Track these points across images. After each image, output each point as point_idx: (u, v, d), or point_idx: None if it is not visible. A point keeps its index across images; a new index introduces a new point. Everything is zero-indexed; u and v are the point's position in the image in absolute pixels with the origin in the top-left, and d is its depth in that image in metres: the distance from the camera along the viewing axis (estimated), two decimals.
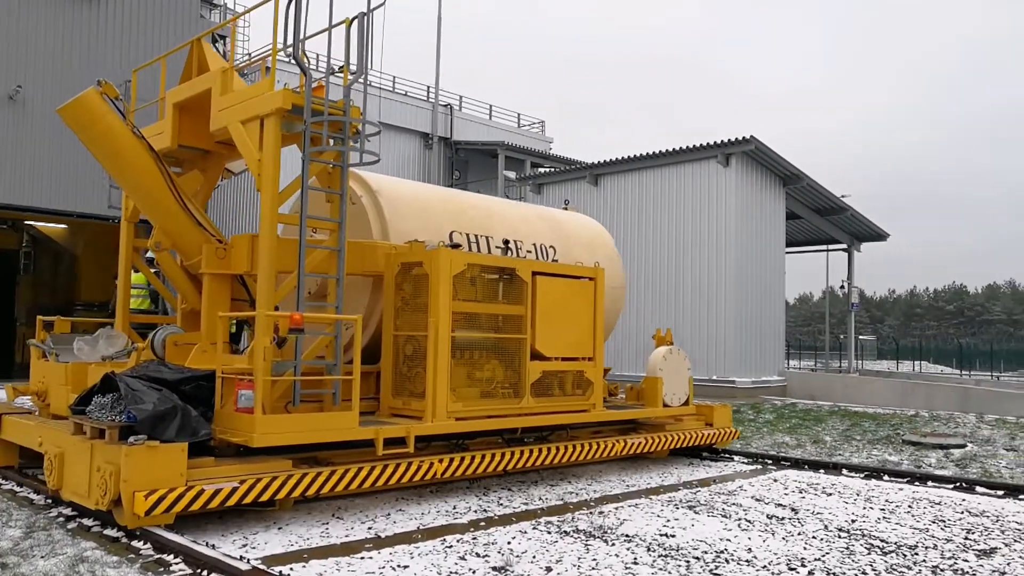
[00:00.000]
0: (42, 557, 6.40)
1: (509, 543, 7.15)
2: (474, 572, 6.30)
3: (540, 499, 9.11)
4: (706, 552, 7.03)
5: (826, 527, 8.09)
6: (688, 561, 6.74)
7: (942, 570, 6.69)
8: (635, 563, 6.64)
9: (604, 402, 10.87)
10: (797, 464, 12.14)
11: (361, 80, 8.61)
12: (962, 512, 9.00)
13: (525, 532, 7.58)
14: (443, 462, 8.82)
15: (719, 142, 23.58)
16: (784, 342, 27.70)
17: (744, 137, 23.19)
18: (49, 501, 8.33)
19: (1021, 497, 9.99)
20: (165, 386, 7.64)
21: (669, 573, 6.41)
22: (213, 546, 6.68)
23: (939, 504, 9.42)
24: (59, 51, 22.12)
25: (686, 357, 12.29)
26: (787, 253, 27.04)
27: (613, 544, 7.22)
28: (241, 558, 6.37)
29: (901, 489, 10.34)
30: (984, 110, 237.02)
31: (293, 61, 8.49)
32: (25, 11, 21.76)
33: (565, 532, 7.60)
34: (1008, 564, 6.93)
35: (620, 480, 10.45)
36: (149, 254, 10.38)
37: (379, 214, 9.99)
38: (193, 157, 10.38)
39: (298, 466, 7.89)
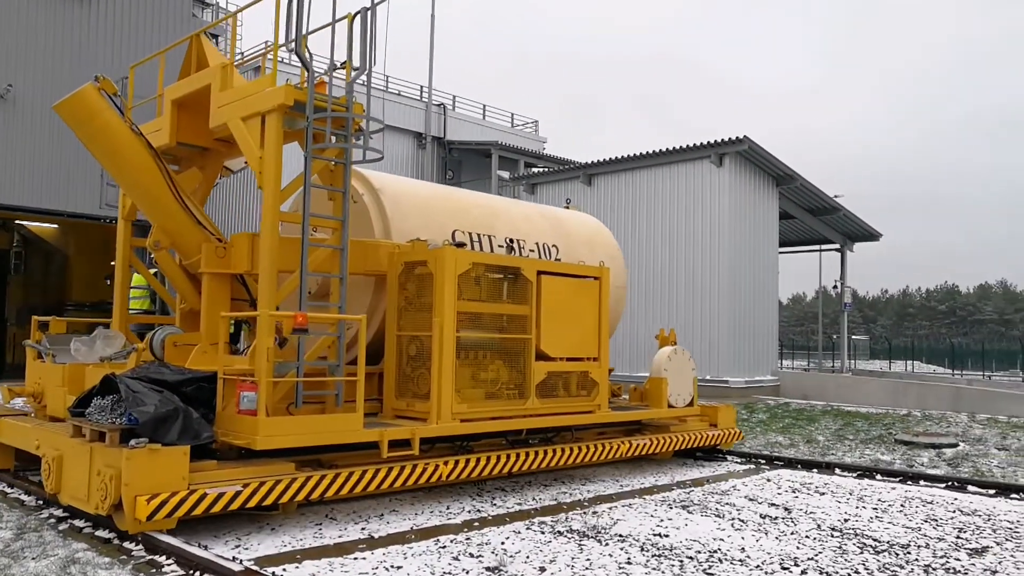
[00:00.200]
0: (33, 559, 6.37)
1: (503, 543, 7.15)
2: (468, 572, 6.29)
3: (534, 499, 9.11)
4: (699, 552, 7.04)
5: (819, 526, 8.11)
6: (681, 561, 6.75)
7: (934, 569, 6.71)
8: (629, 563, 6.65)
9: (608, 403, 10.77)
10: (790, 464, 12.16)
11: (364, 76, 8.52)
12: (954, 511, 9.03)
13: (519, 532, 7.57)
14: (448, 464, 8.71)
15: (712, 142, 23.61)
16: (777, 342, 27.75)
17: (737, 137, 23.21)
18: (40, 503, 8.29)
19: (1012, 496, 10.03)
20: (166, 388, 7.51)
21: (662, 573, 6.41)
22: (205, 547, 6.63)
23: (931, 503, 9.44)
24: (51, 50, 22.04)
25: (690, 357, 12.19)
26: (780, 253, 27.10)
27: (607, 544, 7.22)
28: (234, 559, 6.35)
29: (893, 488, 10.36)
30: (977, 110, 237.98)
31: (295, 56, 8.36)
32: (16, 10, 21.67)
33: (559, 532, 7.59)
34: (999, 563, 6.95)
35: (614, 480, 10.45)
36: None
37: (381, 212, 9.88)
38: (191, 155, 10.24)
39: (301, 469, 7.77)
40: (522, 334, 9.52)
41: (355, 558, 6.59)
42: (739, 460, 12.39)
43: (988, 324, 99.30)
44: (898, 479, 11.06)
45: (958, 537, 7.83)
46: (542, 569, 6.42)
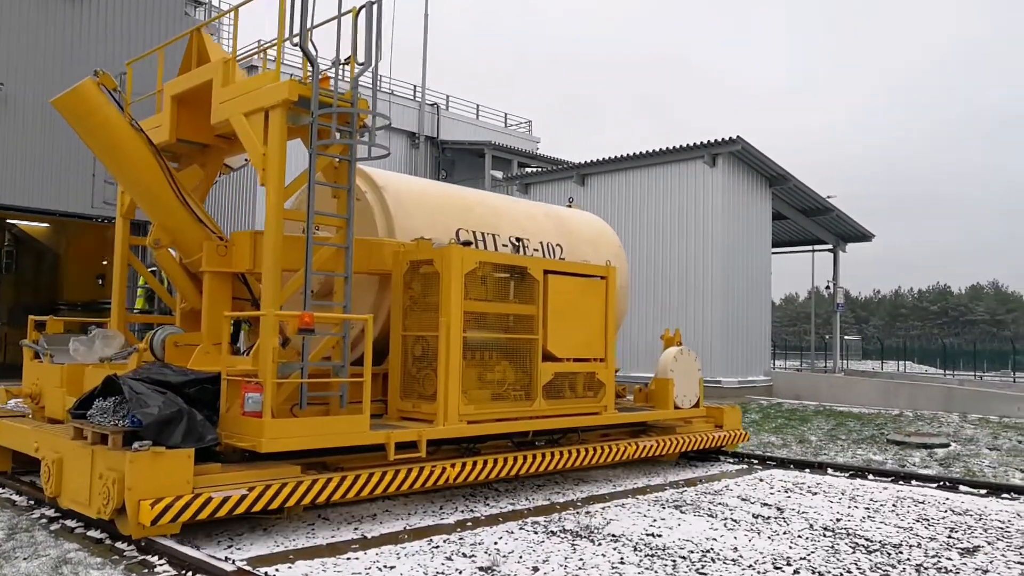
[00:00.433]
0: (24, 559, 6.35)
1: (496, 543, 7.15)
2: (460, 572, 6.29)
3: (527, 499, 9.11)
4: (692, 552, 7.05)
5: (811, 526, 8.13)
6: (674, 561, 6.76)
7: (926, 568, 6.73)
8: (621, 563, 6.65)
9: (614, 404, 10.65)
10: (783, 464, 12.18)
11: (369, 72, 8.40)
12: (945, 511, 9.06)
13: (512, 532, 7.57)
14: (455, 467, 8.58)
15: (706, 142, 23.63)
16: (770, 342, 27.81)
17: (731, 137, 23.24)
18: (32, 503, 8.26)
19: (1003, 496, 10.08)
20: (169, 389, 7.35)
21: (655, 573, 6.42)
22: (198, 547, 6.62)
23: (923, 503, 9.47)
24: (43, 49, 21.94)
25: (696, 358, 12.08)
26: (773, 253, 27.15)
27: (600, 544, 7.22)
28: (226, 559, 6.34)
29: (885, 488, 10.39)
30: (971, 111, 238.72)
31: (294, 53, 8.24)
32: (8, 9, 21.58)
33: (552, 532, 7.60)
34: (991, 562, 6.98)
35: (607, 480, 10.45)
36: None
37: (385, 211, 9.74)
38: (191, 151, 10.10)
39: (306, 471, 7.62)
40: (529, 334, 9.40)
41: (348, 558, 6.58)
42: (732, 460, 12.41)
43: (980, 325, 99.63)
44: (890, 479, 11.10)
45: (949, 537, 7.86)
46: (535, 569, 6.43)
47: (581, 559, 6.72)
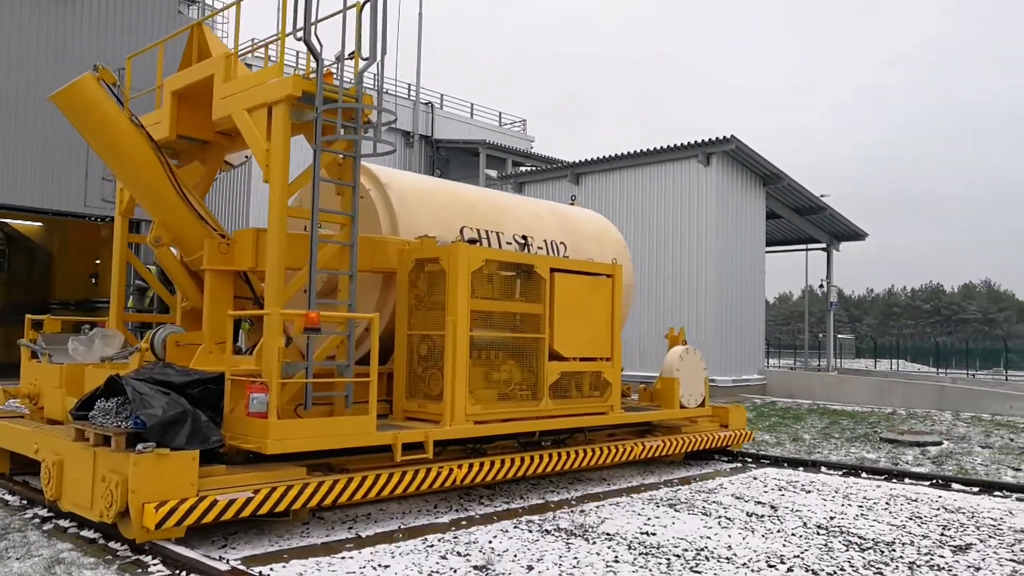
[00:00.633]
0: (17, 559, 6.33)
1: (490, 542, 7.15)
2: (455, 571, 6.29)
3: (521, 498, 9.11)
4: (686, 550, 7.06)
5: (805, 524, 8.15)
6: (668, 559, 6.77)
7: (919, 566, 6.75)
8: (616, 561, 6.66)
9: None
10: (776, 462, 12.21)
11: (375, 67, 8.25)
12: (938, 509, 9.09)
13: (506, 531, 7.58)
14: (463, 468, 8.48)
15: (700, 141, 23.65)
16: (764, 341, 27.83)
17: (725, 136, 23.26)
18: (25, 503, 8.24)
19: (996, 494, 10.11)
20: (172, 389, 7.22)
21: (650, 571, 6.43)
22: (192, 546, 6.60)
23: (916, 501, 9.50)
24: (35, 47, 21.85)
25: (702, 357, 12.01)
26: (767, 252, 27.18)
27: (594, 542, 7.23)
28: (220, 559, 6.33)
29: (879, 486, 10.43)
30: (966, 109, 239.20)
31: (304, 45, 8.02)
32: (0, 8, 21.51)
33: (546, 531, 7.60)
34: (983, 560, 7.01)
35: (601, 479, 10.46)
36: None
37: (388, 208, 9.60)
38: (191, 148, 9.96)
39: (312, 473, 7.51)
40: (535, 333, 9.29)
41: (343, 557, 6.58)
42: (726, 458, 12.43)
43: (972, 323, 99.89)
44: (883, 477, 11.13)
45: (942, 534, 7.89)
46: (530, 568, 6.43)
47: (576, 558, 6.73)
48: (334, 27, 8.38)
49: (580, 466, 9.84)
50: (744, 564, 6.69)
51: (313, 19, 8.08)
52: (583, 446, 10.07)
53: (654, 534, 7.60)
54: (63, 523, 7.39)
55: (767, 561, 6.78)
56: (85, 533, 7.05)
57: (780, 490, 9.97)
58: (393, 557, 6.62)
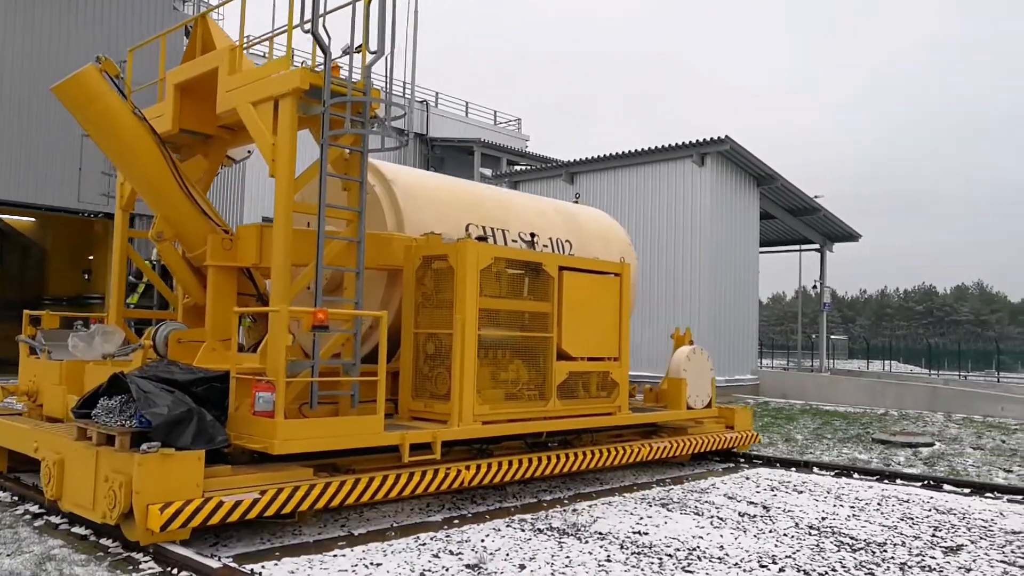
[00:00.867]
0: (8, 555, 6.31)
1: (483, 541, 7.15)
2: (447, 570, 6.29)
3: (514, 497, 9.11)
4: (678, 549, 7.07)
5: (797, 524, 8.16)
6: (660, 559, 6.78)
7: (910, 567, 6.77)
8: (608, 560, 6.67)
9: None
10: (769, 462, 12.22)
11: (384, 59, 8.09)
12: (930, 510, 9.12)
13: (499, 530, 7.58)
14: (470, 469, 8.35)
15: (694, 142, 23.67)
16: (757, 341, 27.88)
17: (719, 137, 23.28)
18: (16, 499, 8.21)
19: (987, 495, 10.15)
20: (176, 388, 7.07)
21: (642, 570, 6.44)
22: (184, 543, 6.59)
23: (907, 502, 9.53)
24: (27, 44, 21.78)
25: (708, 357, 11.98)
26: (761, 253, 27.21)
27: (586, 542, 7.23)
28: (212, 556, 6.32)
29: (871, 487, 10.45)
30: (963, 110, 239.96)
31: (312, 37, 7.87)
32: None
33: (539, 530, 7.60)
34: (974, 561, 7.03)
35: (594, 478, 10.46)
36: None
37: (394, 204, 9.44)
38: (193, 142, 9.81)
39: (318, 474, 7.39)
40: (543, 332, 9.18)
41: (334, 555, 6.58)
42: (718, 458, 12.44)
43: (964, 325, 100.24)
44: (875, 478, 11.16)
45: (934, 535, 7.91)
46: (522, 566, 6.43)
47: (568, 557, 6.74)
48: (339, 20, 8.25)
49: (588, 467, 9.76)
50: (736, 564, 6.70)
51: (321, 11, 7.91)
52: (590, 447, 9.98)
53: (646, 533, 7.61)
54: (54, 520, 7.37)
55: (759, 561, 6.79)
56: (76, 530, 7.04)
57: (772, 490, 9.99)
58: (385, 555, 6.61)
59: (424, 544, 6.99)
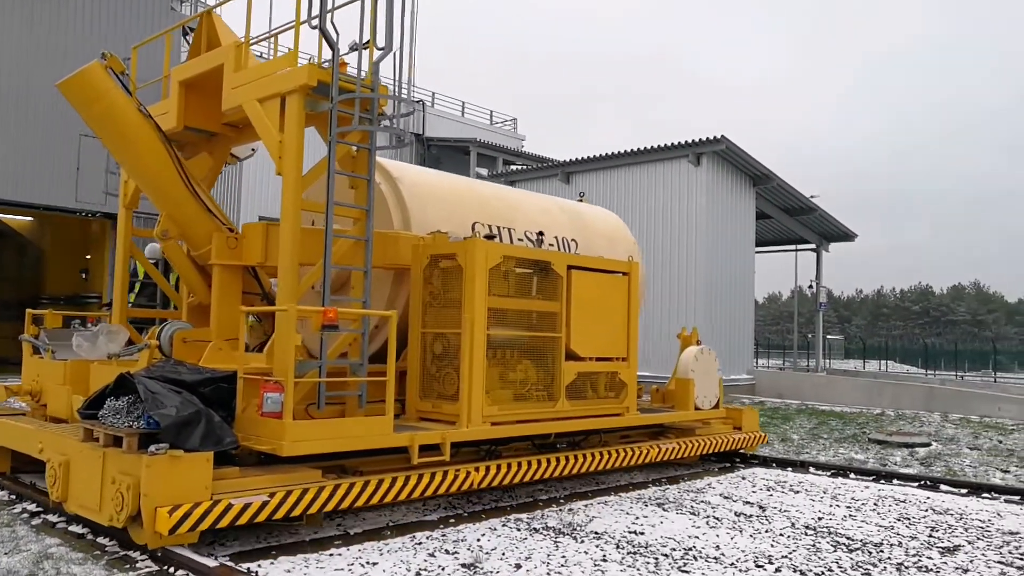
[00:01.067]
0: (5, 554, 6.30)
1: (479, 540, 7.15)
2: (443, 569, 6.29)
3: (510, 496, 9.11)
4: (674, 549, 7.08)
5: (793, 525, 8.17)
6: (656, 558, 6.78)
7: (906, 567, 6.78)
8: (604, 560, 6.67)
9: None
10: (765, 462, 12.23)
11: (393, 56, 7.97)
12: (926, 510, 9.13)
13: (495, 529, 7.58)
14: (479, 471, 8.25)
15: (690, 141, 23.71)
16: (753, 341, 27.91)
17: (715, 137, 23.33)
18: (13, 497, 8.20)
19: (984, 495, 10.15)
20: (184, 388, 6.96)
21: (638, 570, 6.44)
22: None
23: (904, 502, 9.54)
24: (23, 43, 21.74)
25: (716, 357, 11.90)
26: (757, 252, 27.25)
27: (582, 541, 7.24)
28: (209, 555, 6.31)
29: (867, 487, 10.46)
30: (959, 110, 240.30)
31: (319, 33, 7.77)
32: None
33: (535, 529, 7.61)
34: (971, 561, 7.04)
35: (590, 477, 10.46)
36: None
37: (400, 203, 9.33)
38: (197, 140, 9.66)
39: (326, 476, 7.32)
40: (552, 332, 9.07)
41: (331, 554, 6.57)
42: (714, 458, 12.45)
43: (961, 325, 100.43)
44: (871, 478, 11.16)
45: (930, 536, 7.91)
46: (518, 566, 6.43)
47: (564, 556, 6.74)
48: (344, 17, 8.18)
49: (597, 469, 9.67)
50: (732, 564, 6.70)
51: (329, 7, 7.83)
52: (598, 448, 9.90)
53: (642, 533, 7.62)
54: (51, 518, 7.36)
55: (755, 561, 6.79)
56: (73, 528, 7.03)
57: (768, 490, 10.00)
58: (381, 555, 6.61)
59: (420, 543, 6.99)
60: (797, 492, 9.95)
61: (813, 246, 32.47)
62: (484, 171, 33.62)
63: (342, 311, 7.49)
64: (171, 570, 6.00)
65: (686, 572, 6.45)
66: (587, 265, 9.62)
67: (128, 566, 6.13)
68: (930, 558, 7.09)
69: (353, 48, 7.98)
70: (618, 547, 7.09)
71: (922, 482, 10.84)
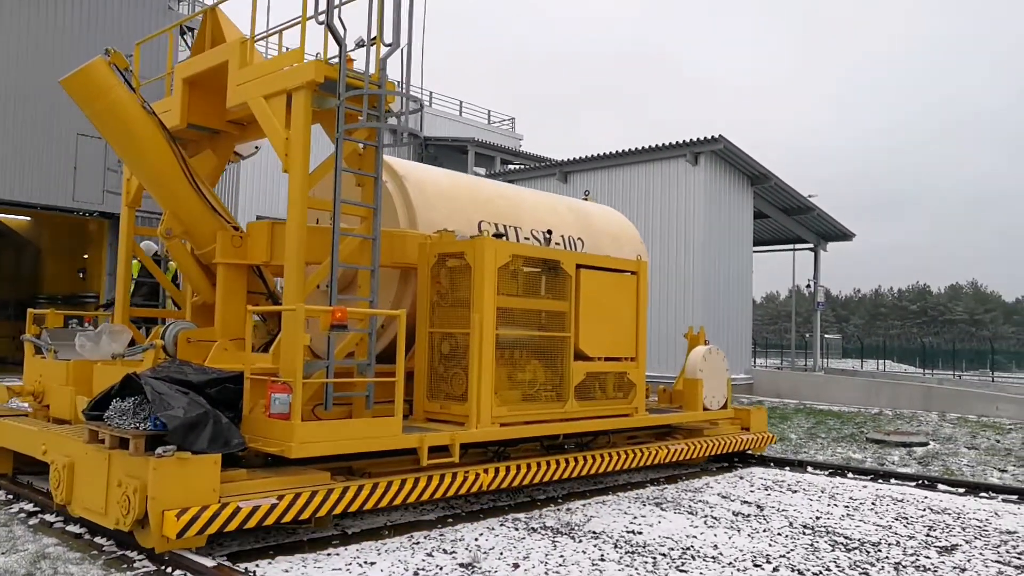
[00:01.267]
0: (2, 553, 6.29)
1: (476, 540, 7.15)
2: (441, 569, 6.29)
3: (508, 496, 9.10)
4: (672, 549, 7.08)
5: (791, 524, 8.17)
6: (654, 558, 6.78)
7: (904, 567, 6.78)
8: (602, 559, 6.67)
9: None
10: (763, 461, 12.23)
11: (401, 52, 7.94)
12: (924, 509, 9.13)
13: (492, 529, 7.58)
14: (489, 473, 8.16)
15: (688, 141, 23.71)
16: (751, 340, 27.91)
17: (713, 136, 23.32)
18: (10, 497, 8.19)
19: (982, 495, 10.16)
20: (190, 389, 6.86)
21: (635, 570, 6.44)
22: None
23: (902, 501, 9.54)
24: (21, 43, 21.70)
25: (724, 357, 11.81)
26: (754, 252, 27.26)
27: (580, 541, 7.24)
28: (207, 554, 6.30)
29: (865, 487, 10.46)
30: (957, 110, 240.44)
31: (327, 28, 7.70)
32: None
33: (532, 529, 7.61)
34: (968, 560, 7.04)
35: (589, 477, 10.45)
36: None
37: (406, 201, 9.26)
38: (201, 138, 9.65)
39: (334, 478, 7.23)
40: (561, 332, 8.97)
41: (328, 554, 6.57)
42: (712, 457, 12.44)
43: (959, 324, 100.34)
44: (869, 477, 11.17)
45: (928, 535, 7.92)
46: (515, 565, 6.43)
47: (562, 556, 6.74)
48: (351, 14, 8.14)
49: (606, 470, 9.60)
50: (730, 563, 6.70)
51: (336, 2, 7.78)
52: (607, 449, 9.81)
53: (640, 533, 7.62)
54: (49, 518, 7.36)
55: (753, 561, 6.80)
56: (71, 528, 7.02)
57: (766, 490, 10.00)
58: (379, 554, 6.61)
59: (418, 543, 6.98)
60: (795, 491, 9.95)
61: (811, 245, 32.48)
62: (482, 170, 33.62)
63: (350, 311, 7.40)
64: (169, 570, 5.98)
65: (684, 571, 6.45)
66: (596, 264, 9.55)
67: (125, 566, 6.12)
68: (928, 557, 7.10)
69: (360, 44, 7.92)
70: (616, 547, 7.09)
71: (920, 481, 10.85)
